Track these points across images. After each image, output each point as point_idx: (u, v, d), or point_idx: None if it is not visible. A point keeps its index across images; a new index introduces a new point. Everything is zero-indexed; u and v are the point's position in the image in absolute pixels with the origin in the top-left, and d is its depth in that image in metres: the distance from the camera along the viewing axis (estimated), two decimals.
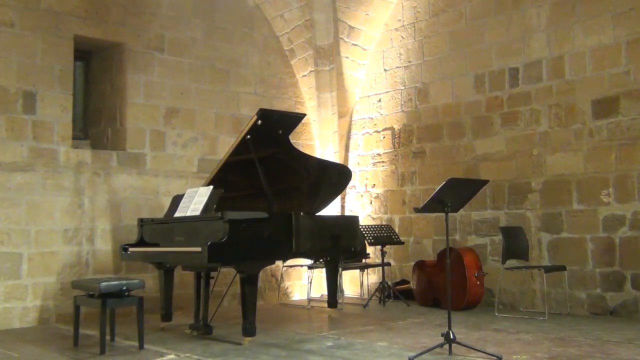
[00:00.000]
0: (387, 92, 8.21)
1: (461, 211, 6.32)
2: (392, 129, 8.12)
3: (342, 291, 7.73)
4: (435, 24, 7.67)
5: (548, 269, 6.11)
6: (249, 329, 4.82)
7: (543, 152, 6.60)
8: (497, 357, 4.09)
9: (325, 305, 6.29)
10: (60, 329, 5.84)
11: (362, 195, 8.43)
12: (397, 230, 7.79)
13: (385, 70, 8.23)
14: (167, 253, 5.28)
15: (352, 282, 8.29)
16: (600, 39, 6.22)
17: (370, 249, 7.20)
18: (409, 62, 7.95)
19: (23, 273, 6.01)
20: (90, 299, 4.75)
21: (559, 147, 6.47)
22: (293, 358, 4.36)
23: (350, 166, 8.18)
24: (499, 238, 6.65)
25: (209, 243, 4.57)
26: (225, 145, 7.19)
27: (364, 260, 7.52)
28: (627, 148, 5.99)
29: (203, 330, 5.21)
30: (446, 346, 4.26)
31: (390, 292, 7.44)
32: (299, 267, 7.94)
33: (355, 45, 8.27)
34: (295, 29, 8.19)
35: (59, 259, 6.24)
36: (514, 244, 6.34)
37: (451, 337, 4.23)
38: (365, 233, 7.02)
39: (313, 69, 8.25)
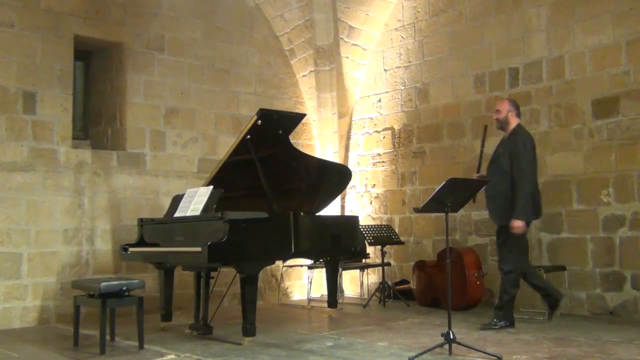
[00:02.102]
0: (387, 92, 8.20)
1: (461, 211, 6.30)
2: (392, 129, 8.12)
3: (342, 291, 7.73)
4: (435, 24, 7.67)
5: (548, 269, 6.11)
6: (249, 329, 4.81)
7: (543, 152, 6.58)
8: (497, 357, 4.09)
9: (325, 305, 6.28)
10: (60, 329, 5.84)
11: (362, 195, 8.43)
12: (397, 230, 7.78)
13: (385, 70, 8.23)
14: (167, 253, 5.27)
15: (352, 282, 8.29)
16: (600, 39, 6.22)
17: (370, 249, 7.19)
18: (409, 62, 7.95)
19: (23, 273, 6.01)
20: (90, 299, 4.75)
21: (559, 147, 6.47)
22: (293, 358, 4.36)
23: (350, 166, 8.17)
24: None
25: (209, 243, 4.56)
26: (225, 145, 7.19)
27: (364, 260, 7.52)
28: (627, 148, 5.99)
29: (203, 330, 5.21)
30: (446, 346, 4.26)
31: (390, 292, 7.43)
32: (299, 267, 7.94)
33: (355, 45, 8.27)
34: (295, 29, 8.19)
35: (59, 259, 6.24)
36: None
37: (451, 337, 4.23)
38: (365, 233, 7.02)
39: (313, 69, 8.24)
